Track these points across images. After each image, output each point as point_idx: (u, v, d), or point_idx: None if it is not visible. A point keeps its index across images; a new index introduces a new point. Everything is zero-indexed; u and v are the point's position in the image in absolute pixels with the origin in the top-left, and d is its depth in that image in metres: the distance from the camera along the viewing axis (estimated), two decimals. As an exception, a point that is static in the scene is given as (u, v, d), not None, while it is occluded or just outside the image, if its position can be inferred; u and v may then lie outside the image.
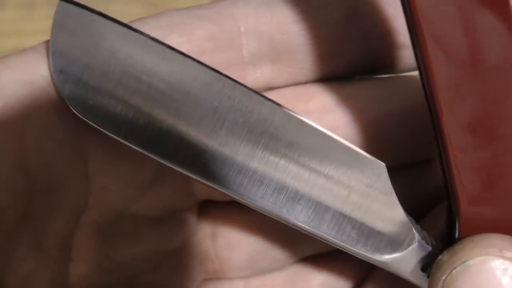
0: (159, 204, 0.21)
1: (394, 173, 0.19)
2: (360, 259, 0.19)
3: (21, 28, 0.42)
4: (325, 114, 0.21)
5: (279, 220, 0.18)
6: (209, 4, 0.20)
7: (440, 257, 0.18)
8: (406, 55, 0.21)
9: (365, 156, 0.18)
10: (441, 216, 0.19)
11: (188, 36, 0.19)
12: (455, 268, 0.17)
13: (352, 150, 0.18)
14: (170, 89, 0.17)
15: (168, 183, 0.21)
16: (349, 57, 0.21)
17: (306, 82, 0.21)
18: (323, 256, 0.23)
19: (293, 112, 0.18)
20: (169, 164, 0.17)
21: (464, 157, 0.16)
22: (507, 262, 0.16)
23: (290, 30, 0.20)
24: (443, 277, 0.17)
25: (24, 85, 0.17)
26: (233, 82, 0.17)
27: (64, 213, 0.18)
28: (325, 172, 0.18)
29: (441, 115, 0.16)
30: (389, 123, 0.21)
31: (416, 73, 0.22)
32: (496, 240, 0.17)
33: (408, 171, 0.22)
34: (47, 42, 0.18)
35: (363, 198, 0.18)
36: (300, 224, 0.18)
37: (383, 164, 0.18)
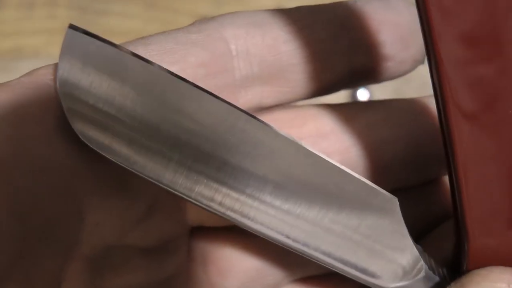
0: (151, 235, 0.20)
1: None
2: (355, 281, 0.19)
3: (21, 28, 0.42)
4: (320, 140, 0.21)
5: (289, 249, 0.18)
6: (197, 26, 0.20)
7: None
8: (391, 65, 0.21)
9: (377, 190, 0.18)
10: (444, 237, 0.19)
11: (181, 64, 0.19)
12: None
13: (363, 183, 0.18)
14: (181, 119, 0.17)
15: (161, 213, 0.20)
16: (338, 71, 0.21)
17: (295, 100, 0.21)
18: (316, 278, 0.23)
19: (304, 143, 0.17)
20: (174, 191, 0.17)
21: (475, 190, 0.16)
22: None
23: (282, 51, 0.20)
24: None
25: (13, 125, 0.16)
26: (247, 116, 0.17)
27: (55, 250, 0.18)
28: (337, 205, 0.18)
29: (455, 146, 0.16)
30: (384, 150, 0.21)
31: (425, 89, 0.22)
32: (505, 273, 0.17)
33: (405, 193, 0.22)
34: (41, 70, 0.17)
35: (373, 229, 0.18)
36: (307, 252, 0.18)
37: (395, 198, 0.18)
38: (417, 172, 0.22)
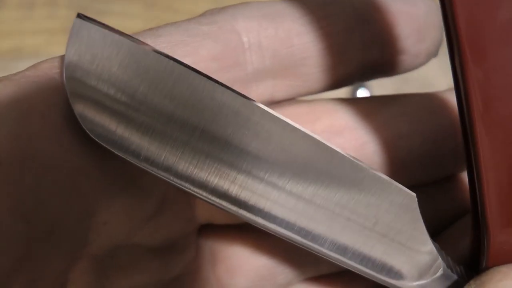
0: (160, 234, 0.20)
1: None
2: (366, 280, 0.18)
3: (21, 28, 0.42)
4: (333, 136, 0.20)
5: (303, 247, 0.18)
6: (208, 18, 0.19)
7: (466, 287, 0.17)
8: (406, 58, 0.21)
9: (396, 186, 0.17)
10: (461, 234, 0.19)
11: (193, 57, 0.18)
12: None
13: (382, 179, 0.17)
14: (184, 109, 0.16)
15: (170, 212, 0.20)
16: (352, 65, 0.21)
17: (308, 94, 0.21)
18: (328, 276, 0.22)
19: (322, 139, 0.17)
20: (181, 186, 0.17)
21: (496, 185, 0.16)
22: None
23: (295, 44, 0.19)
24: None
25: (17, 120, 0.16)
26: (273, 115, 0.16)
27: (62, 251, 0.17)
28: (354, 200, 0.17)
29: (477, 140, 0.15)
30: (401, 145, 0.21)
31: (425, 89, 0.22)
32: None
33: (422, 190, 0.22)
34: (48, 62, 0.17)
35: (390, 226, 0.17)
36: (325, 252, 0.17)
37: (413, 194, 0.17)
38: (434, 168, 0.22)
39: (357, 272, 0.18)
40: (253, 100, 0.16)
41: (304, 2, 0.20)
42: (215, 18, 0.19)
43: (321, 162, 0.17)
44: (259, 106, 0.16)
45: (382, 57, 0.21)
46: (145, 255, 0.20)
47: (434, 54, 0.21)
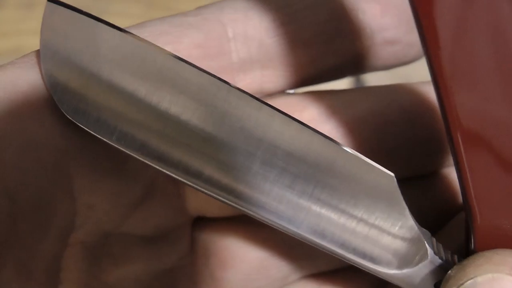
0: (150, 222, 0.20)
1: (403, 185, 0.18)
2: (368, 277, 0.18)
3: (21, 28, 0.42)
4: (320, 125, 0.20)
5: (281, 230, 0.17)
6: (195, 11, 0.19)
7: (449, 272, 0.17)
8: (399, 49, 0.21)
9: (373, 166, 0.17)
10: (461, 226, 0.18)
11: (174, 45, 0.18)
12: (462, 284, 0.16)
13: (359, 159, 0.17)
14: (162, 90, 0.16)
15: (158, 200, 0.20)
16: (341, 55, 0.20)
17: (298, 85, 0.21)
18: (327, 274, 0.22)
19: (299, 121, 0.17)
20: (162, 169, 0.17)
21: (480, 168, 0.15)
22: None
23: (281, 33, 0.19)
24: None
25: (1, 101, 0.16)
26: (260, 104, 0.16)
27: (50, 234, 0.18)
28: (329, 182, 0.17)
29: (456, 129, 0.15)
30: (387, 134, 0.21)
31: (412, 80, 0.22)
32: (510, 256, 0.16)
33: (416, 183, 0.22)
34: (36, 51, 0.17)
35: (370, 210, 0.17)
36: (303, 234, 0.17)
37: (392, 174, 0.17)
38: (424, 157, 0.22)
39: (339, 258, 0.17)
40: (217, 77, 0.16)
41: None
42: (202, 11, 0.19)
43: (299, 144, 0.17)
44: (229, 85, 0.16)
45: (372, 48, 0.21)
46: (137, 245, 0.20)
47: None
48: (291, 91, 0.22)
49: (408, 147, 0.21)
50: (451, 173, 0.22)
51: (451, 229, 0.21)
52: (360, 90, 0.22)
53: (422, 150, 0.21)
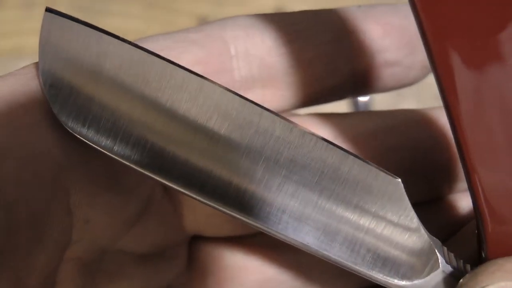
0: (146, 240, 0.20)
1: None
2: None
3: (21, 28, 0.42)
4: None
5: (286, 241, 0.17)
6: (197, 27, 0.19)
7: (461, 280, 0.16)
8: (398, 71, 0.21)
9: (378, 171, 0.16)
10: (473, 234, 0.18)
11: (176, 61, 0.18)
12: None
13: (364, 165, 0.16)
14: (163, 97, 0.16)
15: (155, 217, 0.20)
16: (341, 75, 0.20)
17: (299, 106, 0.21)
18: None
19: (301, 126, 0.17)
20: (165, 181, 0.16)
21: (491, 176, 0.15)
22: None
23: (282, 52, 0.19)
24: None
25: (2, 113, 0.16)
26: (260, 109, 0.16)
27: (46, 248, 0.17)
28: (336, 191, 0.16)
29: (465, 136, 0.15)
30: (389, 158, 0.20)
31: (409, 98, 0.22)
32: None
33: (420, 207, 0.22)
34: (35, 63, 0.17)
35: (378, 218, 0.16)
36: (309, 245, 0.17)
37: (398, 179, 0.16)
38: (428, 182, 0.21)
39: (347, 269, 0.17)
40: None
41: (293, 13, 0.20)
42: (204, 28, 0.19)
43: (303, 150, 0.16)
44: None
45: (372, 69, 0.21)
46: (133, 262, 0.20)
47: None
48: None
49: (412, 170, 0.21)
50: (457, 200, 0.22)
51: (461, 239, 0.21)
52: (361, 114, 0.22)
53: (423, 176, 0.21)
